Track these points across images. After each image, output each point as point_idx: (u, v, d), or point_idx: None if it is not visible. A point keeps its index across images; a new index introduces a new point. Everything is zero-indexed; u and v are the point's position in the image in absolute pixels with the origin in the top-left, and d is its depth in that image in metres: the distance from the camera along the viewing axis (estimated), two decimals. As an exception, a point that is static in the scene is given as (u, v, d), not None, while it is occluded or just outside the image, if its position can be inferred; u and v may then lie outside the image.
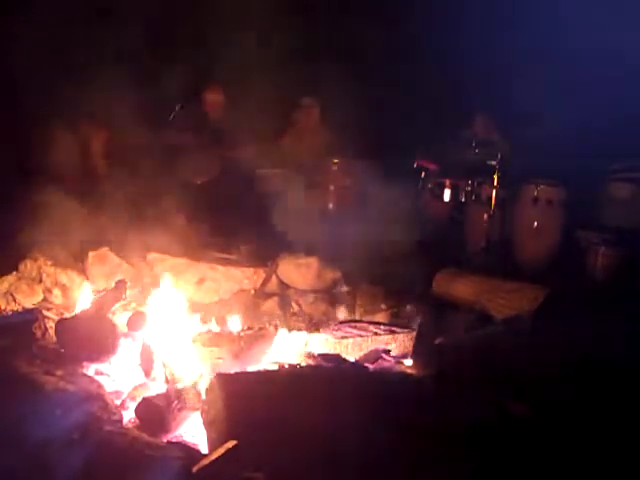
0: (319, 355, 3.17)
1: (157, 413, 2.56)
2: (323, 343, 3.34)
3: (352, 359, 3.27)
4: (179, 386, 2.70)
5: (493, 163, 5.05)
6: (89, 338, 3.04)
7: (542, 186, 5.13)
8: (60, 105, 5.17)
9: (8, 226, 4.26)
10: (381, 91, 6.37)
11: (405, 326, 3.64)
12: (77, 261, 4.31)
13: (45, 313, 3.52)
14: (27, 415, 2.29)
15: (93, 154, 5.66)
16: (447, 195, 5.51)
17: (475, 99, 6.06)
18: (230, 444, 2.18)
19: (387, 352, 3.37)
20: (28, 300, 3.94)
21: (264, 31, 5.53)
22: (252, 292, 4.44)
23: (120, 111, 4.89)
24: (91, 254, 4.28)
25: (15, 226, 4.27)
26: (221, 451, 2.16)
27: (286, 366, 2.97)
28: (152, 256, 4.43)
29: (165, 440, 2.50)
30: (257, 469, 2.09)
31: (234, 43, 5.35)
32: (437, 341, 3.46)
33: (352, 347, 3.37)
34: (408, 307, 4.11)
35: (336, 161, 5.86)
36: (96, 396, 2.57)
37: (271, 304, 4.24)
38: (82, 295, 3.65)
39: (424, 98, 6.23)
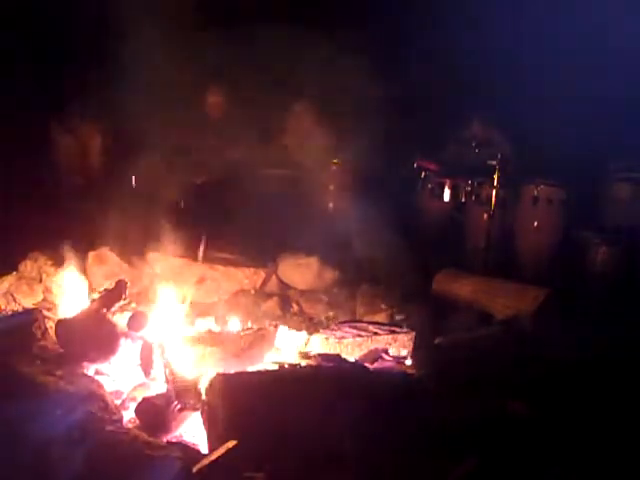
0: (319, 355, 3.17)
1: (157, 413, 2.56)
2: (323, 343, 3.34)
3: (352, 359, 3.27)
4: (179, 386, 2.70)
5: (493, 163, 5.05)
6: (89, 338, 3.04)
7: (542, 186, 5.13)
8: (60, 104, 5.17)
9: (8, 226, 4.27)
10: (382, 91, 6.37)
11: (405, 326, 3.64)
12: (77, 261, 4.31)
13: (45, 313, 3.51)
14: (27, 415, 2.29)
15: (93, 153, 5.67)
16: (447, 195, 5.51)
17: (475, 99, 6.05)
18: (230, 444, 2.18)
19: (387, 352, 3.38)
20: (28, 300, 3.94)
21: (261, 29, 5.52)
22: (252, 292, 4.44)
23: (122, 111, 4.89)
24: (91, 254, 4.29)
25: (15, 226, 4.28)
26: (221, 451, 2.16)
27: (286, 366, 2.97)
28: (152, 256, 4.43)
29: (165, 440, 2.50)
30: (257, 469, 2.09)
31: (234, 42, 5.35)
32: (437, 341, 3.47)
33: (352, 347, 3.36)
34: (408, 307, 4.11)
35: (336, 161, 5.86)
36: (96, 396, 2.57)
37: (271, 304, 4.24)
38: (82, 295, 3.65)
39: (424, 98, 6.23)
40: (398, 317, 3.82)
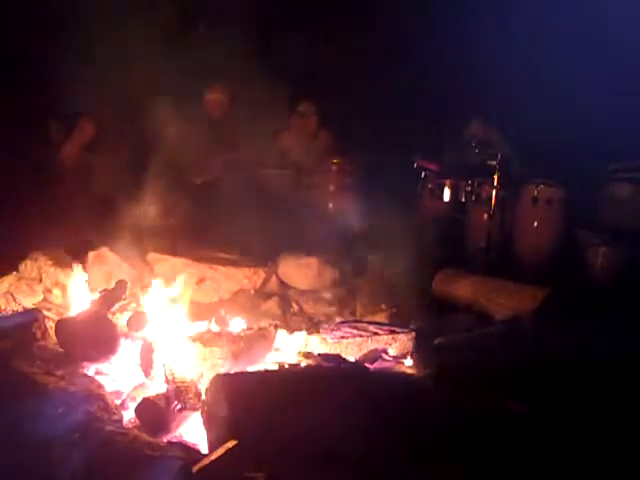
0: (319, 355, 3.17)
1: (157, 413, 2.56)
2: (323, 343, 3.34)
3: (352, 359, 3.27)
4: (179, 386, 2.70)
5: (493, 163, 5.05)
6: (89, 338, 3.04)
7: (542, 186, 5.14)
8: (54, 101, 5.17)
9: (8, 226, 4.27)
10: (381, 91, 6.37)
11: (405, 326, 3.64)
12: (77, 261, 4.31)
13: (45, 313, 3.51)
14: (27, 415, 2.29)
15: (84, 150, 5.65)
16: (447, 195, 5.52)
17: (475, 99, 6.06)
18: (230, 444, 2.18)
19: (387, 352, 3.38)
20: (28, 300, 3.94)
21: (264, 29, 5.53)
22: (252, 292, 4.44)
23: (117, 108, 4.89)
24: (91, 254, 4.28)
25: (15, 226, 4.28)
26: (221, 451, 2.16)
27: (286, 366, 2.97)
28: (152, 256, 4.43)
29: (165, 440, 2.50)
30: (257, 469, 2.09)
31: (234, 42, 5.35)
32: (437, 341, 3.47)
33: (352, 347, 3.37)
34: (408, 307, 4.11)
35: (336, 161, 5.87)
36: (96, 396, 2.57)
37: (271, 304, 4.24)
38: (82, 295, 3.65)
39: (425, 98, 6.23)
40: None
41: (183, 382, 2.70)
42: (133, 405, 2.69)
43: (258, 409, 2.32)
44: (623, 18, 5.59)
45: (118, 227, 4.29)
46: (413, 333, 3.52)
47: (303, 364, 3.06)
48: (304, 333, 3.47)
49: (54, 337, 3.17)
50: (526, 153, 5.53)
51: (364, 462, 2.15)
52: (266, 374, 2.75)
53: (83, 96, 5.07)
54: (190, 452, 2.34)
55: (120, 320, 3.26)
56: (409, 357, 3.39)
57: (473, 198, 5.36)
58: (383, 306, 4.17)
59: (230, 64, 5.38)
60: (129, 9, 4.80)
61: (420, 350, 3.40)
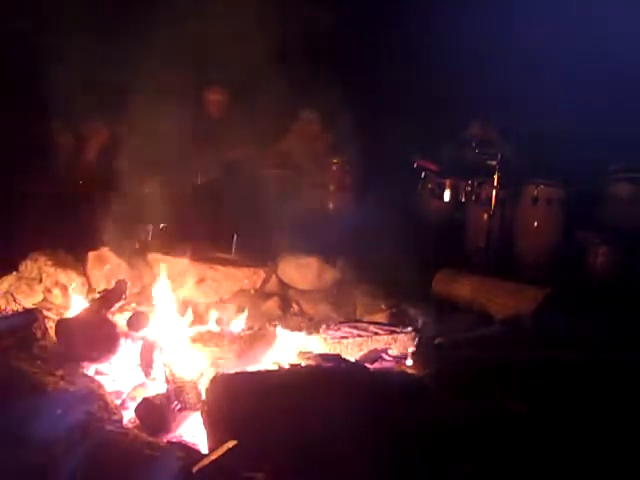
0: (319, 355, 3.16)
1: (157, 413, 2.56)
2: (323, 343, 3.34)
3: (352, 359, 3.27)
4: (179, 386, 2.70)
5: (493, 163, 5.05)
6: (89, 338, 3.04)
7: (542, 186, 5.14)
8: (60, 104, 5.17)
9: (8, 227, 4.27)
10: (381, 91, 6.37)
11: (405, 326, 3.64)
12: (77, 261, 4.31)
13: (45, 313, 3.51)
14: (27, 415, 2.29)
15: (91, 153, 5.68)
16: (447, 195, 5.52)
17: (476, 99, 6.06)
18: (230, 444, 2.18)
19: (387, 352, 3.38)
20: (28, 300, 3.94)
21: (260, 31, 5.51)
22: (252, 292, 4.44)
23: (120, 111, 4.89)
24: (91, 254, 4.29)
25: (15, 227, 4.29)
26: (221, 451, 2.16)
27: (286, 366, 2.97)
28: (152, 256, 4.43)
29: (165, 440, 2.50)
30: (257, 469, 2.09)
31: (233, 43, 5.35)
32: (437, 341, 3.47)
33: (352, 347, 3.37)
34: (408, 307, 4.11)
35: (336, 161, 5.87)
36: (96, 396, 2.57)
37: (271, 304, 4.24)
38: (82, 295, 3.65)
39: (424, 98, 6.23)
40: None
41: (183, 382, 2.71)
42: (133, 405, 2.69)
43: (258, 409, 2.32)
44: (623, 18, 5.59)
45: (123, 227, 4.30)
46: (413, 333, 3.52)
47: (303, 364, 3.06)
48: (304, 333, 3.47)
49: (54, 337, 3.17)
50: (526, 153, 5.53)
51: (364, 462, 2.15)
52: (266, 374, 2.75)
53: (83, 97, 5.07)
54: (190, 452, 2.34)
55: (120, 320, 3.26)
56: (409, 357, 3.39)
57: (473, 198, 5.35)
58: (383, 306, 4.16)
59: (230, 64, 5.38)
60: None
61: (420, 350, 3.40)
